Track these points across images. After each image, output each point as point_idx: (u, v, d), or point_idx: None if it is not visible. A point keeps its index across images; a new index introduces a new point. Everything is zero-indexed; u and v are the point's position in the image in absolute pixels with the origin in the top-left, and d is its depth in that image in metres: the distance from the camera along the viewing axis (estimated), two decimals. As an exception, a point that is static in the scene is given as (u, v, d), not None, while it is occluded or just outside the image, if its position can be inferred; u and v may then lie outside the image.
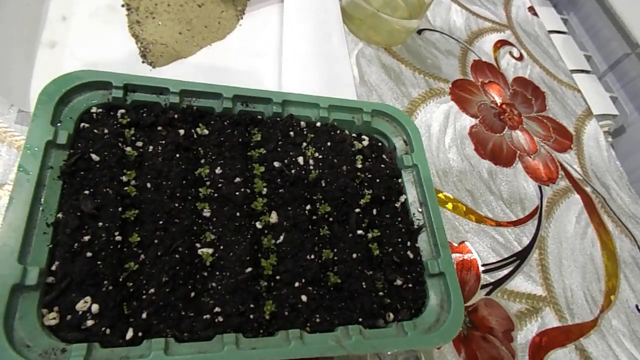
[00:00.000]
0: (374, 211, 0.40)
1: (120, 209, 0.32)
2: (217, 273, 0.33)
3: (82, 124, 0.35)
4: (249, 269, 0.33)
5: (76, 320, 0.28)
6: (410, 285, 0.37)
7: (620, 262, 0.54)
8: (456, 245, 0.48)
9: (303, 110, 0.42)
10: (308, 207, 0.38)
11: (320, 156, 0.41)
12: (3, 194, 0.36)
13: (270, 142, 0.40)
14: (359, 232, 0.38)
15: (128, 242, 0.32)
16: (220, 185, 0.36)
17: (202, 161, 0.37)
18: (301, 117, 0.42)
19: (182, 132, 0.37)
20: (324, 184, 0.39)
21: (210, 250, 0.33)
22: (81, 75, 0.35)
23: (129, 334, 0.29)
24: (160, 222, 0.33)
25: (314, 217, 0.38)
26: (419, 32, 0.65)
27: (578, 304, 0.49)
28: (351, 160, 0.42)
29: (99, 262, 0.30)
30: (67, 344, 0.27)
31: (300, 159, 0.40)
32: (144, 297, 0.30)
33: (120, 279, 0.30)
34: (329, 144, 0.41)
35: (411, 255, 0.38)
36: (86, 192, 0.32)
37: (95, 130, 0.35)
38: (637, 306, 0.52)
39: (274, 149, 0.39)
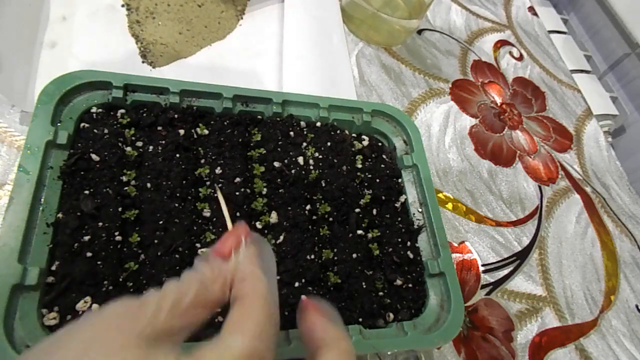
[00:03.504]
0: (374, 211, 0.40)
1: (120, 209, 0.32)
2: (217, 273, 0.33)
3: (82, 124, 0.35)
4: (249, 269, 0.33)
5: (76, 320, 0.28)
6: (410, 285, 0.37)
7: (620, 262, 0.54)
8: (456, 245, 0.48)
9: (303, 110, 0.42)
10: (308, 207, 0.38)
11: (320, 156, 0.41)
12: (3, 194, 0.36)
13: (270, 142, 0.40)
14: (359, 232, 0.38)
15: (128, 242, 0.32)
16: (220, 185, 0.36)
17: (202, 161, 0.37)
18: (301, 117, 0.42)
19: (182, 132, 0.37)
20: (324, 184, 0.39)
21: (210, 250, 0.33)
22: (81, 75, 0.35)
23: (129, 334, 0.29)
24: (160, 222, 0.33)
25: (314, 217, 0.38)
26: (419, 32, 0.65)
27: (578, 304, 0.49)
28: (351, 160, 0.42)
29: (99, 262, 0.30)
30: (67, 344, 0.27)
31: (300, 159, 0.40)
32: (144, 297, 0.30)
33: (121, 279, 0.30)
34: (329, 144, 0.41)
35: (411, 255, 0.38)
36: (86, 192, 0.32)
37: (95, 130, 0.35)
38: (637, 306, 0.52)
39: (274, 149, 0.39)
